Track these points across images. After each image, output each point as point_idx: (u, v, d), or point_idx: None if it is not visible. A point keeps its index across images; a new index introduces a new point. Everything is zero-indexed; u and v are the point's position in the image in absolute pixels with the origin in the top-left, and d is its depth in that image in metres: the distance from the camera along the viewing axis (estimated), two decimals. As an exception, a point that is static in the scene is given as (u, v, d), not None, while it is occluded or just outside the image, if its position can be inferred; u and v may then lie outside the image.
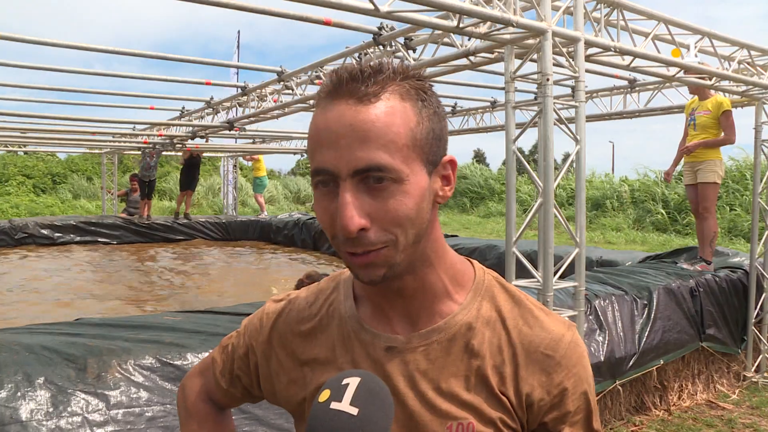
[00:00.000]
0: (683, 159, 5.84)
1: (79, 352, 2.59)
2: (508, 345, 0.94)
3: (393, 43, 4.74)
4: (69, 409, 2.30)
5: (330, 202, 0.85)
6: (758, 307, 5.50)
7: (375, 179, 0.82)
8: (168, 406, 2.57)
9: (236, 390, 1.15)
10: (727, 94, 6.06)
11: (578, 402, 0.95)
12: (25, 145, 16.18)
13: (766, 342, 5.55)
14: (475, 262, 1.04)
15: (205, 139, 12.72)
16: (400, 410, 0.92)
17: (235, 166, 18.17)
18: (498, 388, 0.92)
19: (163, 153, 14.14)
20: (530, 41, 3.59)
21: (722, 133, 5.52)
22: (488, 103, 9.58)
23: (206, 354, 2.82)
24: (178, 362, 2.72)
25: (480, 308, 0.96)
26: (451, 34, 4.07)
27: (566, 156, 3.70)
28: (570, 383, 0.94)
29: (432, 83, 0.92)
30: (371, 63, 0.87)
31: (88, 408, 2.35)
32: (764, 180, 5.60)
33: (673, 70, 4.91)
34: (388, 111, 0.82)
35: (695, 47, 4.60)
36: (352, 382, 0.78)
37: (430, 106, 0.88)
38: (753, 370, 5.51)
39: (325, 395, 0.78)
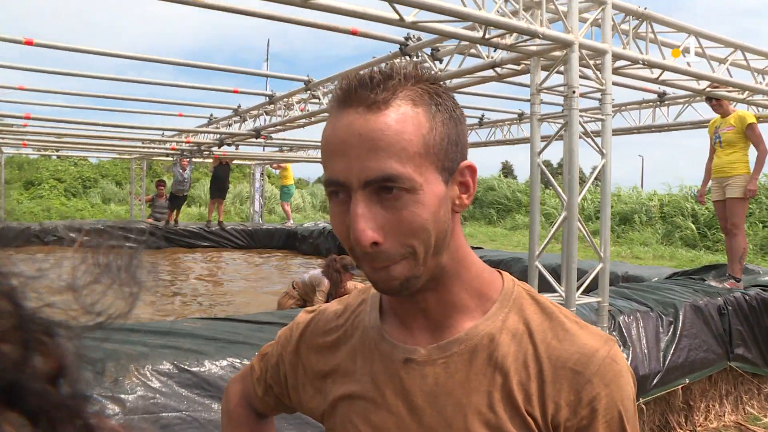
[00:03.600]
0: (711, 175, 5.73)
1: (97, 355, 2.59)
2: (534, 360, 0.87)
3: (420, 54, 4.73)
4: (85, 413, 2.30)
5: (344, 213, 0.82)
6: (789, 327, 5.36)
7: (387, 189, 0.79)
8: (184, 413, 2.57)
9: (270, 399, 1.15)
10: (750, 108, 5.96)
11: (611, 426, 0.85)
12: (58, 150, 16.50)
13: (797, 363, 5.40)
14: (505, 273, 0.99)
15: (234, 147, 12.83)
16: (416, 426, 0.89)
17: (262, 174, 18.28)
18: (524, 407, 0.85)
19: (194, 161, 14.23)
20: (557, 53, 3.55)
21: (750, 148, 5.41)
22: (515, 115, 9.52)
23: (224, 362, 2.84)
24: (195, 369, 2.71)
25: (506, 320, 0.90)
26: (478, 45, 4.05)
27: (594, 169, 3.65)
28: (602, 404, 0.84)
29: (446, 86, 0.89)
30: (381, 68, 0.85)
31: (105, 412, 2.35)
32: (797, 197, 5.48)
33: (703, 84, 4.84)
34: (399, 118, 0.80)
35: (694, 48, 4.52)
36: None
37: (445, 111, 0.84)
38: (783, 392, 5.37)
39: None
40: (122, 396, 2.46)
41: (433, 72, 0.91)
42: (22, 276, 0.38)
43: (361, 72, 0.85)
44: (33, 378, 0.36)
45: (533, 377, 0.86)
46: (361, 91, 0.81)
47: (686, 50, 4.36)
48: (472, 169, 0.89)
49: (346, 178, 0.80)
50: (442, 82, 0.88)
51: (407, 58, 4.72)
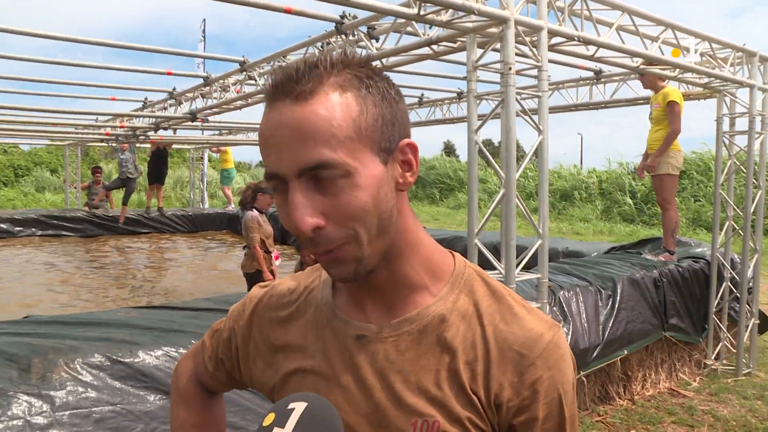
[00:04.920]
0: (648, 152, 5.85)
1: (22, 351, 2.48)
2: (482, 341, 0.89)
3: (356, 32, 4.65)
4: (9, 412, 2.19)
5: (287, 204, 0.82)
6: (719, 296, 5.56)
7: (322, 177, 0.79)
8: (118, 406, 2.48)
9: (221, 374, 1.14)
10: (681, 87, 6.10)
11: (550, 407, 0.89)
12: (-16, 137, 15.75)
13: (725, 330, 5.61)
14: (457, 254, 1.01)
15: (171, 131, 12.49)
16: (365, 402, 0.91)
17: (201, 158, 17.90)
18: (469, 386, 0.88)
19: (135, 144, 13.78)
20: (493, 30, 3.54)
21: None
22: (455, 94, 9.54)
23: (159, 351, 2.75)
24: (129, 360, 2.62)
25: (456, 301, 0.92)
26: (414, 22, 4.00)
27: (533, 148, 3.67)
28: (542, 386, 0.88)
29: (378, 68, 0.88)
30: (307, 59, 0.85)
31: (31, 411, 2.25)
32: (725, 171, 5.65)
33: (637, 61, 4.91)
34: (327, 105, 0.79)
35: (695, 48, 4.65)
36: (298, 407, 0.75)
37: (377, 92, 0.84)
38: (713, 357, 5.58)
39: (269, 419, 0.74)
40: (50, 393, 2.36)
41: (363, 54, 0.89)
42: None
43: (287, 65, 0.86)
44: None
45: (480, 358, 0.88)
46: (287, 84, 0.81)
47: (686, 49, 4.45)
48: (412, 147, 0.88)
49: (279, 170, 0.81)
50: (375, 63, 0.86)
51: (344, 36, 4.64)
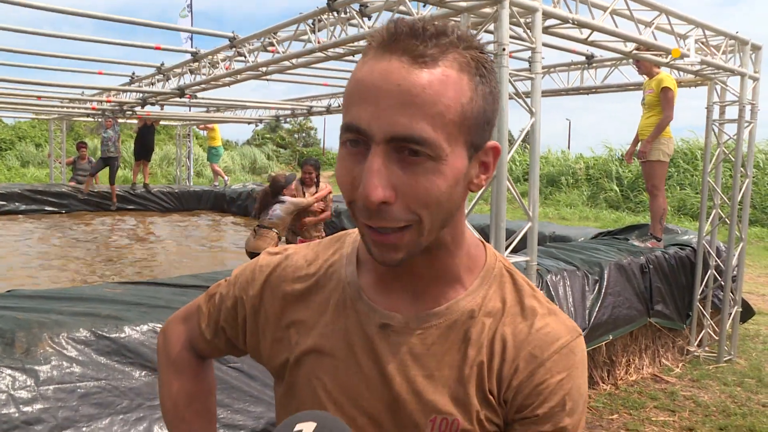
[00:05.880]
0: (638, 138, 5.85)
1: (6, 325, 2.45)
2: (501, 339, 0.87)
3: (348, 10, 4.60)
4: (-8, 385, 2.17)
5: (355, 164, 0.77)
6: (703, 283, 5.61)
7: (411, 151, 0.74)
8: (103, 381, 2.45)
9: (220, 341, 1.09)
10: (674, 73, 6.10)
11: (552, 411, 0.85)
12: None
13: (709, 318, 5.66)
14: (488, 246, 0.97)
15: (159, 107, 12.37)
16: (386, 391, 0.88)
17: (188, 135, 17.77)
18: (487, 384, 0.86)
19: (119, 121, 13.63)
20: (487, 10, 3.50)
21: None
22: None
23: (145, 326, 2.73)
24: (114, 335, 2.59)
25: (486, 296, 0.90)
26: (407, 0, 3.96)
27: (522, 131, 3.65)
28: (547, 389, 0.84)
29: (493, 60, 0.83)
30: (436, 23, 0.78)
31: (15, 385, 2.22)
32: (714, 160, 5.67)
33: (630, 46, 4.90)
34: (443, 79, 0.74)
35: (694, 45, 4.64)
36: (306, 428, 0.69)
37: (488, 84, 0.79)
38: (696, 344, 5.64)
39: None
40: (35, 367, 2.33)
41: (482, 41, 0.85)
42: None
43: (410, 18, 0.77)
44: None
45: (496, 355, 0.87)
46: (409, 39, 0.74)
47: (686, 50, 4.42)
48: (496, 151, 0.85)
49: (369, 128, 0.74)
50: (490, 57, 0.82)
51: (335, 14, 4.58)
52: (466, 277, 0.90)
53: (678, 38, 4.88)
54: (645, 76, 5.75)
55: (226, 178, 15.76)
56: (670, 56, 5.09)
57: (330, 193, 6.91)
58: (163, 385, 1.14)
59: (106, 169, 13.42)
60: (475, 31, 3.61)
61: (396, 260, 0.80)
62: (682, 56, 4.62)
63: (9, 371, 2.24)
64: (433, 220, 0.78)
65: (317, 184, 6.87)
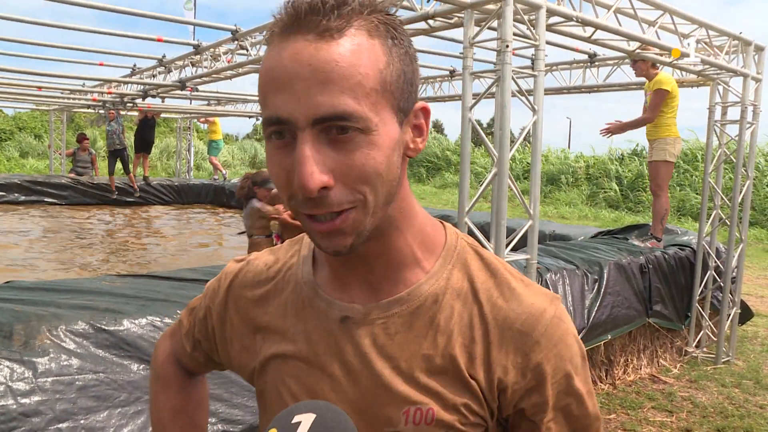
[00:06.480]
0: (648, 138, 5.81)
1: (4, 318, 2.44)
2: (480, 321, 0.82)
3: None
4: (-10, 377, 2.16)
5: (286, 156, 0.73)
6: (702, 284, 5.60)
7: (339, 129, 0.70)
8: (101, 374, 2.45)
9: (199, 354, 1.07)
10: (675, 73, 6.08)
11: (560, 386, 0.83)
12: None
13: (707, 318, 5.66)
14: (448, 225, 0.92)
15: (160, 100, 12.35)
16: (352, 389, 0.84)
17: (189, 128, 17.76)
18: (467, 370, 0.81)
19: (121, 113, 13.62)
20: (491, 6, 3.49)
21: (673, 111, 5.52)
22: (447, 72, 9.48)
23: (143, 320, 2.72)
24: (113, 328, 2.59)
25: (450, 277, 0.85)
26: (410, -4, 3.95)
27: (524, 130, 3.64)
28: (550, 365, 0.81)
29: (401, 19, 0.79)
30: None
31: (13, 376, 2.21)
32: (715, 160, 5.66)
33: (633, 45, 4.88)
34: (354, 49, 0.70)
35: (695, 45, 4.63)
36: (305, 420, 0.65)
37: (401, 45, 0.75)
38: (694, 345, 5.64)
39: None
40: (33, 359, 2.32)
41: (386, 3, 0.81)
42: None
43: None
44: None
45: (478, 339, 0.82)
46: (311, 16, 0.70)
47: (686, 51, 4.40)
48: (426, 111, 0.81)
49: (290, 115, 0.70)
50: (397, 18, 0.78)
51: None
52: (425, 258, 0.86)
53: (681, 38, 4.86)
54: (644, 78, 5.73)
55: (224, 171, 15.75)
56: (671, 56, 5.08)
57: None
58: (151, 400, 1.13)
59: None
60: (478, 27, 3.60)
61: (345, 246, 0.76)
62: (682, 56, 4.60)
63: (7, 363, 2.23)
64: (377, 195, 0.74)
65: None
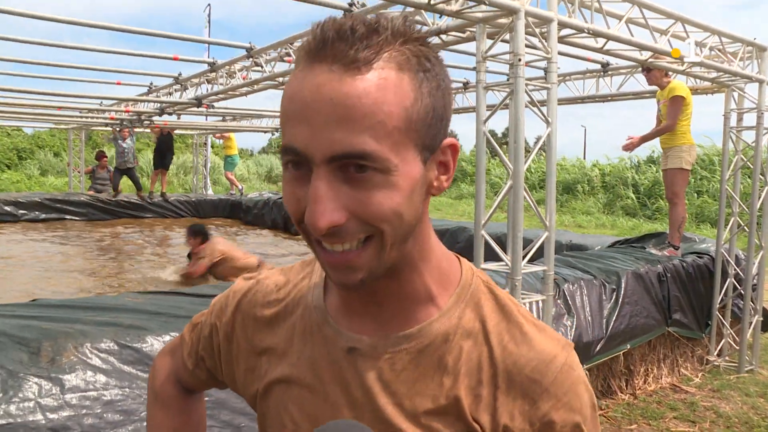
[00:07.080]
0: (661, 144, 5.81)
1: (32, 335, 2.50)
2: (489, 363, 0.80)
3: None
4: (21, 394, 2.22)
5: (300, 187, 0.71)
6: (722, 292, 5.57)
7: (357, 167, 0.68)
8: (126, 389, 2.50)
9: (201, 372, 1.06)
10: (689, 81, 6.07)
11: None
12: (-12, 119, 15.74)
13: (728, 327, 5.62)
14: (464, 260, 0.89)
15: (176, 117, 12.51)
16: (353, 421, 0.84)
17: (205, 144, 17.93)
18: (471, 413, 0.78)
19: (136, 131, 13.81)
20: (503, 20, 3.53)
21: (688, 119, 5.52)
22: (460, 84, 9.52)
23: (168, 337, 2.76)
24: (137, 345, 2.64)
25: (462, 317, 0.82)
26: (423, 11, 3.99)
27: (539, 139, 3.67)
28: (558, 415, 0.78)
29: (437, 49, 0.76)
30: (365, 19, 0.70)
31: (41, 392, 2.27)
32: (732, 167, 5.64)
33: (645, 54, 4.90)
34: (381, 84, 0.67)
35: (696, 46, 4.64)
36: None
37: (433, 79, 0.72)
38: (716, 354, 5.59)
39: None
40: (60, 376, 2.37)
41: (423, 30, 0.80)
42: None
43: (335, 19, 0.70)
44: None
45: (485, 382, 0.80)
46: (339, 43, 0.67)
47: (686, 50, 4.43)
48: (454, 149, 0.78)
49: (306, 149, 0.68)
50: (431, 42, 0.76)
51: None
52: (439, 295, 0.83)
53: (694, 46, 4.87)
54: (657, 87, 5.73)
55: (240, 186, 15.87)
56: (686, 64, 5.09)
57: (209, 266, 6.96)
58: (148, 419, 1.11)
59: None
60: (491, 41, 3.64)
61: (355, 282, 0.74)
62: (682, 57, 4.59)
63: (36, 379, 2.29)
64: (395, 232, 0.72)
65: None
